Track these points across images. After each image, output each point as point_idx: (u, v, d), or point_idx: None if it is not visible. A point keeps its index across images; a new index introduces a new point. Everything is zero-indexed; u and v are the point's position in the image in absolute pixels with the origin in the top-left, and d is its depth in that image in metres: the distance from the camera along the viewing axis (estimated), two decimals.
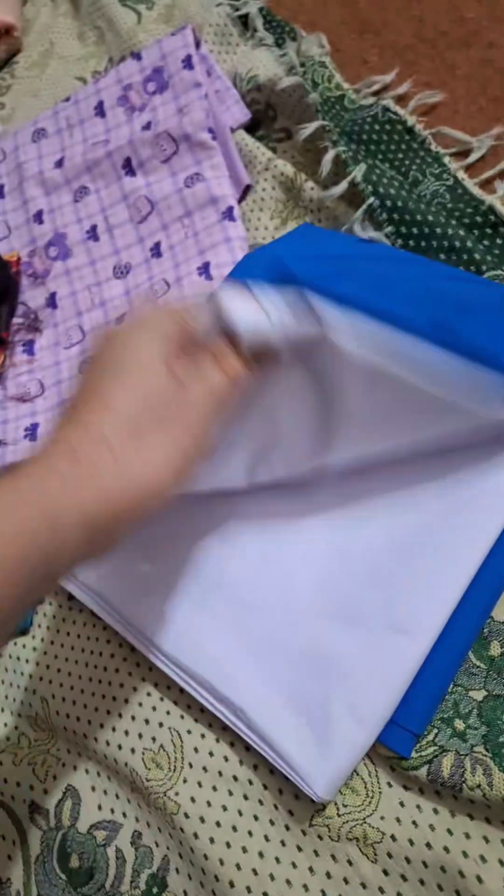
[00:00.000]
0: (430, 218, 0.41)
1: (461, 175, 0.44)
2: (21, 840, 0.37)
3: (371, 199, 0.42)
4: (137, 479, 0.25)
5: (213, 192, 0.50)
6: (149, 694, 0.37)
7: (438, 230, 0.40)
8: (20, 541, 0.22)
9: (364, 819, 0.31)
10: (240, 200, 0.52)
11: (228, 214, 0.50)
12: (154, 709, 0.36)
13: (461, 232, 0.40)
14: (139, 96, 0.56)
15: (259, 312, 0.30)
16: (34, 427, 0.48)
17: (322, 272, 0.38)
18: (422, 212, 0.41)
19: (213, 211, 0.50)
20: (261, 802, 0.33)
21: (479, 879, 0.28)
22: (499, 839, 0.29)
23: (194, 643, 0.35)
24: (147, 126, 0.55)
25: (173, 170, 0.53)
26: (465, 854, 0.29)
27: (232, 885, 0.31)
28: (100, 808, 0.36)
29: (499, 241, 0.41)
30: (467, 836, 0.29)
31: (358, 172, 0.43)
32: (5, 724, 0.41)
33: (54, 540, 0.23)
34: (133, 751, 0.36)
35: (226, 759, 0.34)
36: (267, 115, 0.55)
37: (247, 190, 0.52)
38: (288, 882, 0.31)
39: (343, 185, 0.44)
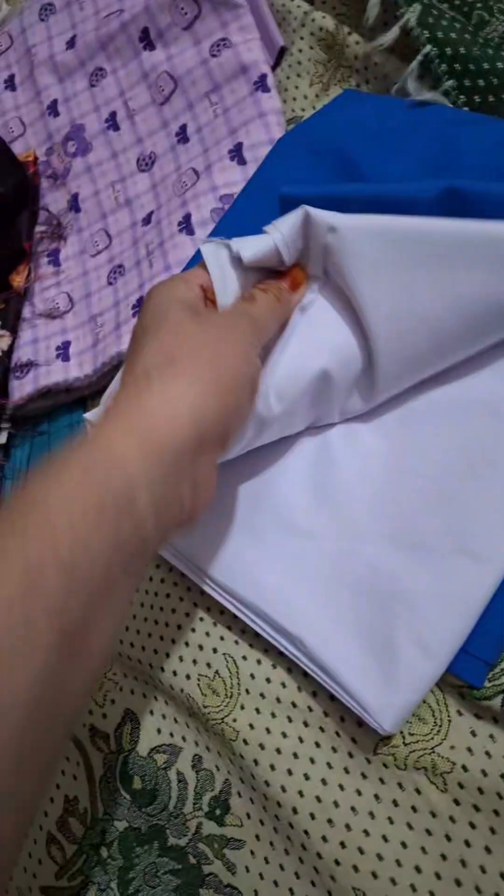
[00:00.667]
0: (501, 66, 0.34)
1: None
2: (84, 762, 0.37)
3: (428, 48, 0.35)
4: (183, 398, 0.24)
5: (243, 59, 0.44)
6: (201, 619, 0.35)
7: None
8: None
9: (433, 748, 0.29)
10: (274, 66, 0.45)
11: (261, 84, 0.43)
12: (207, 634, 0.35)
13: None
14: None
15: (261, 238, 0.30)
16: (66, 345, 0.45)
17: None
18: (489, 59, 0.34)
19: (243, 82, 0.44)
20: (321, 729, 0.31)
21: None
22: None
23: (249, 573, 0.33)
24: None
25: (197, 37, 0.46)
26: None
27: (295, 811, 0.30)
28: (159, 731, 0.35)
29: None
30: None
31: (411, 15, 0.36)
32: None
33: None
34: (188, 677, 0.35)
35: (283, 685, 0.33)
36: None
37: (281, 53, 0.45)
38: (353, 809, 0.30)
39: (394, 31, 0.37)
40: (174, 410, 0.24)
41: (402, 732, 0.30)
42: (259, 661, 0.33)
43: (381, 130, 0.36)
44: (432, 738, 0.29)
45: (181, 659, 0.35)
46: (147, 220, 0.46)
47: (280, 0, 0.45)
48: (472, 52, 0.35)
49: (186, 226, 0.43)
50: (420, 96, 0.36)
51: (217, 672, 0.34)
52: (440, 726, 0.29)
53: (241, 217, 0.38)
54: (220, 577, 0.33)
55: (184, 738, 0.35)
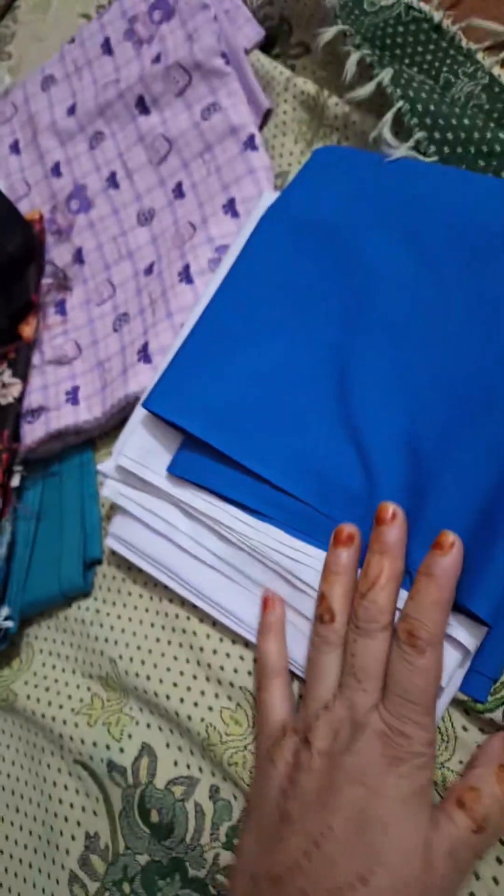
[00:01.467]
0: (466, 122, 0.37)
1: (497, 71, 0.40)
2: (104, 797, 0.37)
3: (400, 103, 0.38)
4: None
5: (232, 120, 0.47)
6: (215, 651, 0.37)
7: (476, 134, 0.36)
8: None
9: (442, 763, 0.30)
10: (261, 127, 0.49)
11: (250, 143, 0.47)
12: (222, 668, 0.36)
13: (501, 135, 0.36)
14: (146, 27, 0.53)
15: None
16: (75, 390, 0.47)
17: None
18: (456, 115, 0.37)
19: (233, 141, 0.47)
20: None
21: None
22: None
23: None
24: (157, 58, 0.51)
25: (188, 102, 0.50)
26: (476, 876, 0.28)
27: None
28: (175, 764, 0.36)
29: None
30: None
31: (385, 75, 0.39)
32: (78, 687, 0.41)
33: None
34: (211, 709, 0.36)
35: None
36: (282, 30, 0.51)
37: (267, 115, 0.49)
38: None
39: (370, 86, 0.40)
40: None
41: None
42: None
43: (357, 198, 0.39)
44: (441, 754, 0.30)
45: (203, 693, 0.36)
46: (149, 271, 0.49)
47: (264, 67, 0.48)
48: (440, 109, 0.38)
49: (186, 275, 0.46)
50: (394, 146, 0.39)
51: (238, 704, 0.35)
52: (447, 742, 0.30)
53: (235, 298, 0.40)
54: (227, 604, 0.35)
55: (200, 770, 0.36)
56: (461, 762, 0.30)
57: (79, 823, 0.38)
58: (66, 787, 0.39)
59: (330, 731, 0.28)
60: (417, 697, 0.27)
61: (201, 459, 0.36)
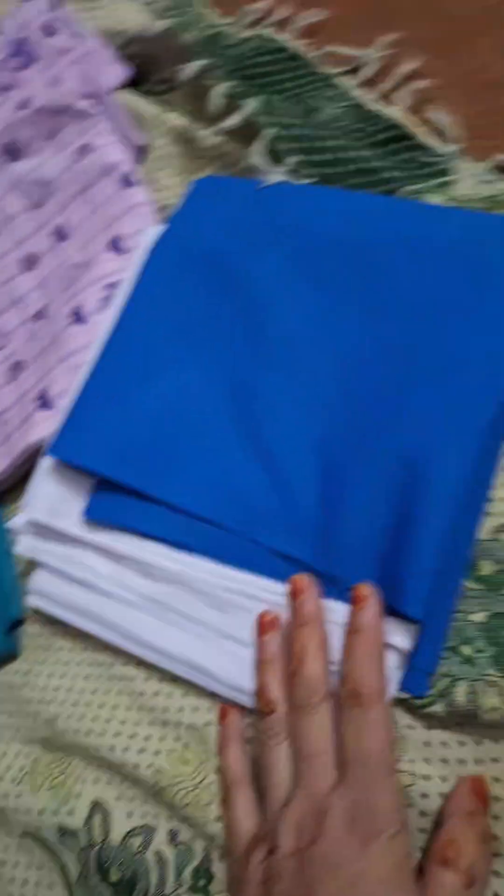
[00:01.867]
0: (334, 143, 0.39)
1: (358, 93, 0.42)
2: (58, 866, 0.36)
3: (269, 131, 0.40)
4: None
5: (106, 160, 0.47)
6: (155, 693, 0.36)
7: (345, 154, 0.38)
8: None
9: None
10: (137, 163, 0.49)
11: (127, 181, 0.47)
12: (166, 710, 0.35)
13: (368, 153, 0.38)
14: (7, 75, 0.52)
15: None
16: None
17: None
18: (324, 138, 0.39)
19: (110, 180, 0.47)
20: None
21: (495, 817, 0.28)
22: None
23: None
24: (23, 105, 0.51)
25: (60, 145, 0.50)
26: (496, 780, 0.29)
27: None
28: (129, 815, 0.35)
29: (408, 155, 0.39)
30: (495, 760, 0.29)
31: (251, 105, 0.41)
32: (16, 755, 0.39)
33: None
34: (157, 753, 0.35)
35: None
36: (146, 67, 0.52)
37: (142, 151, 0.49)
38: None
39: (237, 117, 0.41)
40: None
41: None
42: None
43: (240, 225, 0.40)
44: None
45: (147, 738, 0.35)
46: (39, 316, 0.48)
47: (133, 105, 0.49)
48: (308, 134, 0.39)
49: (78, 316, 0.45)
50: (269, 172, 0.40)
51: (186, 744, 0.34)
52: (394, 742, 0.31)
53: (132, 335, 0.40)
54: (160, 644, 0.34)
55: (156, 817, 0.35)
56: (412, 761, 0.30)
57: None
58: (15, 865, 0.37)
59: (293, 830, 0.27)
60: (375, 757, 0.27)
61: (117, 500, 0.35)
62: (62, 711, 0.38)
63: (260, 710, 0.31)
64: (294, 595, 0.31)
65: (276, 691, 0.30)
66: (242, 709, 0.33)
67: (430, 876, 0.26)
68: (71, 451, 0.36)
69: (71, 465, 0.36)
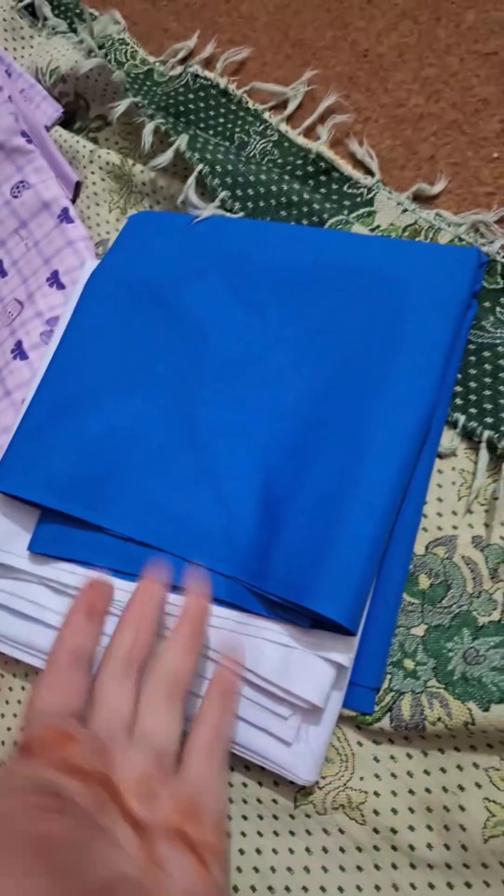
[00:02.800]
0: (263, 177, 0.40)
1: (284, 128, 0.44)
2: None
3: (200, 167, 0.41)
4: None
5: (43, 196, 0.48)
6: None
7: (274, 188, 0.39)
8: None
9: (345, 785, 0.31)
10: (73, 199, 0.50)
11: (65, 216, 0.47)
12: None
13: (296, 185, 0.39)
14: None
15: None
16: None
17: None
18: (253, 172, 0.40)
19: (48, 216, 0.48)
20: (244, 801, 0.32)
21: (462, 808, 0.29)
22: (470, 763, 0.30)
23: None
24: None
25: None
26: (444, 789, 0.30)
27: (236, 889, 0.31)
28: None
29: (334, 186, 0.41)
30: (443, 770, 0.30)
31: (181, 141, 0.42)
32: None
33: None
34: None
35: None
36: (79, 105, 0.52)
37: (78, 187, 0.50)
38: (289, 870, 0.31)
39: (168, 154, 0.42)
40: None
41: None
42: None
43: (175, 256, 0.41)
44: (342, 775, 0.31)
45: None
46: None
47: (67, 142, 0.49)
48: (237, 168, 0.40)
49: (20, 352, 0.45)
50: (201, 207, 0.41)
51: None
52: (346, 761, 0.31)
53: (69, 366, 0.40)
54: None
55: None
56: (362, 778, 0.31)
57: None
58: None
59: None
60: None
61: (61, 532, 0.35)
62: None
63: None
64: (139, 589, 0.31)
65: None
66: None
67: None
68: (11, 483, 0.36)
69: (14, 498, 0.36)
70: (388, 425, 0.32)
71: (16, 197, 0.49)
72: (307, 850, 0.31)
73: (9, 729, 0.38)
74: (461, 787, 0.29)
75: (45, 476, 0.36)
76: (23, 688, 0.39)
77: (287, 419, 0.35)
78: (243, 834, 0.32)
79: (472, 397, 0.34)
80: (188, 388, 0.38)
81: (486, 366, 0.34)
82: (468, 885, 0.29)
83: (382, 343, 0.34)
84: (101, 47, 0.51)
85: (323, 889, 0.30)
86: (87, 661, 0.28)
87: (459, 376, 0.35)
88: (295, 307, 0.37)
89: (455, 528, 0.33)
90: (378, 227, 0.39)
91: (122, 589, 0.34)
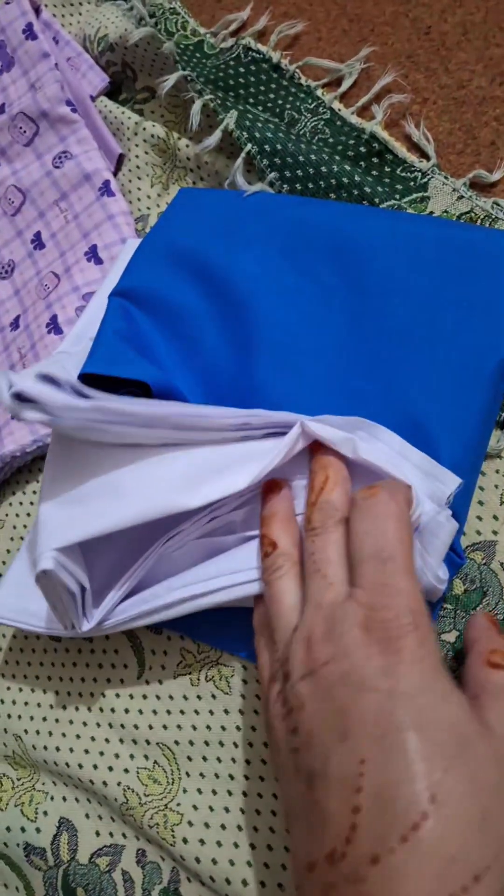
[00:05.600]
0: (314, 157, 0.38)
1: (337, 106, 0.42)
2: (24, 885, 0.35)
3: (248, 146, 0.40)
4: None
5: (85, 168, 0.47)
6: (126, 710, 0.35)
7: (324, 168, 0.38)
8: None
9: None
10: (115, 172, 0.49)
11: (106, 189, 0.46)
12: (136, 727, 0.35)
13: (347, 166, 0.38)
14: None
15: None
16: None
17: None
18: (303, 152, 0.39)
19: (88, 189, 0.47)
20: (259, 796, 0.32)
21: None
22: None
23: None
24: (0, 109, 0.51)
25: (38, 152, 0.49)
26: None
27: (245, 883, 0.30)
28: (98, 834, 0.34)
29: (386, 169, 0.39)
30: None
31: (230, 119, 0.40)
32: None
33: None
34: (127, 771, 0.34)
35: (219, 759, 0.33)
36: (126, 75, 0.51)
37: (121, 160, 0.49)
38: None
39: (216, 135, 0.41)
40: None
41: None
42: (192, 742, 0.34)
43: (225, 225, 0.39)
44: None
45: (117, 756, 0.35)
46: (15, 325, 0.48)
47: (112, 113, 0.48)
48: (287, 147, 0.39)
49: (54, 326, 0.45)
50: (249, 189, 0.40)
51: (156, 762, 0.34)
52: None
53: (110, 329, 0.38)
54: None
55: (124, 835, 0.34)
56: None
57: None
58: None
59: (304, 648, 0.24)
60: (389, 550, 0.23)
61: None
62: (31, 727, 0.37)
63: (263, 554, 0.28)
64: (314, 450, 0.30)
65: (278, 530, 0.28)
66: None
67: (480, 678, 0.24)
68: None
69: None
70: (452, 414, 0.31)
71: (57, 167, 0.48)
72: None
73: (25, 703, 0.38)
74: None
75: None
76: (41, 664, 0.38)
77: (343, 392, 0.34)
78: (255, 829, 0.31)
79: None
80: (239, 357, 0.36)
81: None
82: None
83: (440, 320, 0.32)
84: (151, 16, 0.49)
85: None
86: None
87: None
88: (352, 275, 0.36)
89: (495, 533, 0.32)
90: (431, 213, 0.37)
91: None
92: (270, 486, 0.31)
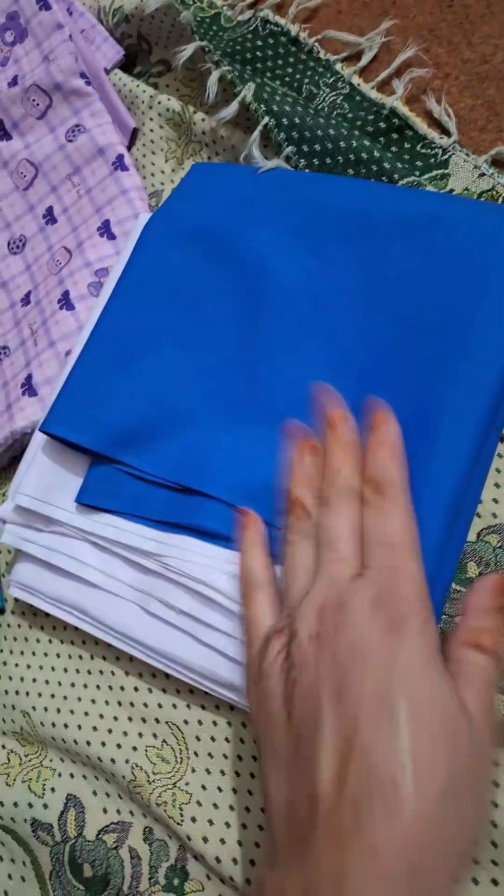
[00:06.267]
0: (332, 132, 0.38)
1: (356, 80, 0.41)
2: (31, 860, 0.35)
3: (266, 119, 0.39)
4: None
5: (99, 142, 0.46)
6: (136, 689, 0.35)
7: (342, 144, 0.37)
8: None
9: None
10: (129, 147, 0.48)
11: (120, 164, 0.46)
12: (146, 705, 0.35)
13: (366, 142, 0.37)
14: None
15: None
16: None
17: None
18: (321, 126, 0.38)
19: (102, 163, 0.46)
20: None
21: (495, 804, 0.28)
22: None
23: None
24: (13, 81, 0.50)
25: (51, 125, 0.48)
26: (496, 784, 0.29)
27: (252, 863, 0.30)
28: (105, 811, 0.35)
29: (406, 145, 0.38)
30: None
31: (247, 92, 0.39)
32: None
33: None
34: (135, 749, 0.34)
35: (227, 740, 0.33)
36: (141, 48, 0.50)
37: (135, 134, 0.48)
38: None
39: (234, 107, 0.40)
40: None
41: None
42: (200, 722, 0.34)
43: (238, 201, 0.39)
44: None
45: (125, 734, 0.35)
46: (26, 301, 0.47)
47: (126, 86, 0.47)
48: (305, 122, 0.38)
49: (66, 302, 0.44)
50: (265, 163, 0.39)
51: (164, 741, 0.34)
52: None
53: (124, 313, 0.39)
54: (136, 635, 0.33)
55: (132, 813, 0.34)
56: None
57: (6, 893, 0.35)
58: None
59: (315, 613, 0.25)
60: (398, 540, 0.25)
61: (111, 483, 0.35)
62: (39, 703, 0.37)
63: (288, 511, 0.30)
64: (332, 426, 0.30)
65: (303, 490, 0.29)
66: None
67: (460, 659, 0.25)
68: (62, 427, 0.35)
69: (59, 451, 0.36)
70: (463, 392, 0.30)
71: (70, 141, 0.47)
72: None
73: (34, 680, 0.38)
74: (496, 783, 0.28)
75: (97, 422, 0.35)
76: (50, 641, 0.38)
77: (351, 373, 0.34)
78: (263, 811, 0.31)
79: None
80: (248, 336, 0.36)
81: None
82: (494, 882, 0.28)
83: (456, 302, 0.32)
84: None
85: None
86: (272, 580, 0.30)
87: None
88: (364, 256, 0.35)
89: None
90: (452, 191, 0.36)
91: (164, 542, 0.33)
92: (305, 445, 0.31)
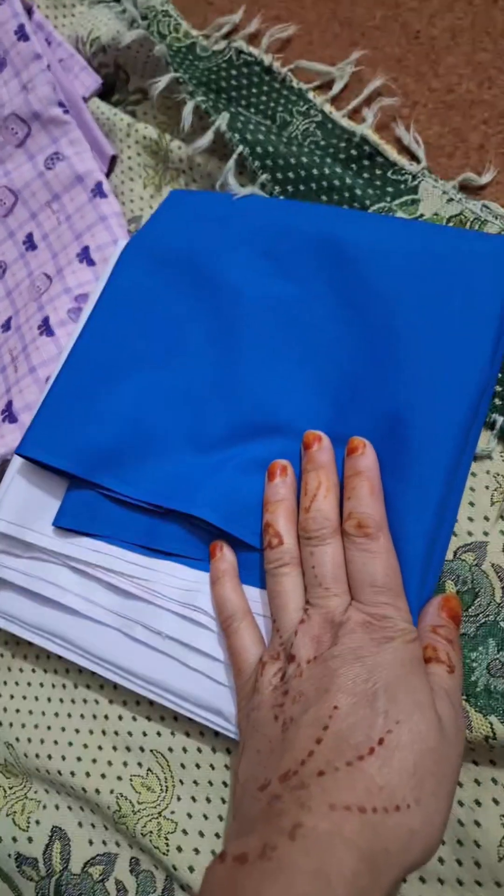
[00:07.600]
0: (305, 160, 0.38)
1: (328, 109, 0.42)
2: (16, 895, 0.35)
3: (240, 148, 0.39)
4: None
5: (77, 169, 0.47)
6: (120, 717, 0.35)
7: (315, 171, 0.38)
8: None
9: None
10: (108, 173, 0.48)
11: (98, 191, 0.46)
12: (130, 734, 0.35)
13: (338, 169, 0.38)
14: None
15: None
16: None
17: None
18: (294, 154, 0.39)
19: (81, 190, 0.47)
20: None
21: (478, 824, 0.28)
22: (489, 778, 0.29)
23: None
24: None
25: (30, 153, 0.49)
26: (460, 803, 0.29)
27: None
28: (91, 842, 0.34)
29: (377, 171, 0.39)
30: (460, 784, 0.29)
31: (222, 121, 0.40)
32: None
33: None
34: (120, 778, 0.34)
35: (212, 767, 0.33)
36: (118, 77, 0.51)
37: (113, 161, 0.49)
38: None
39: (209, 136, 0.41)
40: None
41: None
42: (185, 749, 0.33)
43: (213, 227, 0.39)
44: None
45: (110, 763, 0.34)
46: (6, 327, 0.47)
47: (104, 114, 0.48)
48: (278, 150, 0.39)
49: (46, 328, 0.44)
50: (240, 190, 0.40)
51: (149, 769, 0.34)
52: None
53: (101, 336, 0.39)
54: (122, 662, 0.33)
55: (117, 844, 0.34)
56: None
57: None
58: None
59: (311, 641, 0.28)
60: (385, 581, 0.28)
61: (88, 507, 0.35)
62: (22, 735, 0.37)
63: (268, 543, 0.31)
64: (307, 446, 0.32)
65: (284, 526, 0.31)
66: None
67: (429, 673, 0.27)
68: (38, 450, 0.35)
69: (37, 474, 0.36)
70: (436, 415, 0.31)
71: (49, 169, 0.48)
72: None
73: (17, 711, 0.38)
74: (478, 803, 0.29)
75: (74, 445, 0.35)
76: (33, 670, 0.38)
77: (326, 396, 0.34)
78: None
79: None
80: (224, 357, 0.36)
81: None
82: None
83: (427, 325, 0.32)
84: (143, 18, 0.49)
85: None
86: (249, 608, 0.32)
87: (500, 375, 0.33)
88: (336, 279, 0.36)
89: (486, 534, 0.32)
90: (422, 215, 0.37)
91: (145, 566, 0.33)
92: (275, 468, 0.32)
